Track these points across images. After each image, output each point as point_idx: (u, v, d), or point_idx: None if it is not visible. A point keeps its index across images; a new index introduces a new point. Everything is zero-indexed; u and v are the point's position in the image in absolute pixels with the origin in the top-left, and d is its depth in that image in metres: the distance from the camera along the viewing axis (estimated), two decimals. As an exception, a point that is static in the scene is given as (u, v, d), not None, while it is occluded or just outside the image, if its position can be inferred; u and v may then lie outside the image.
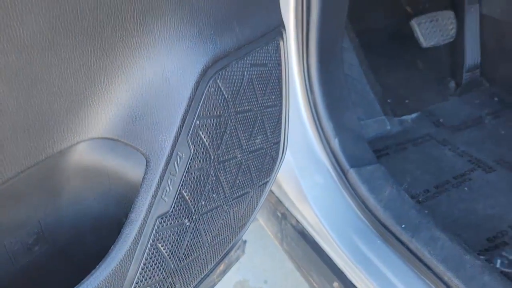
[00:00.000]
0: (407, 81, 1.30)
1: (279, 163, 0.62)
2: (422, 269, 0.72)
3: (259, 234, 1.22)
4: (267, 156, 0.59)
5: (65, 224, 0.47)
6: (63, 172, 0.44)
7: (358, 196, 0.82)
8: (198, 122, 0.46)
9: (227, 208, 0.53)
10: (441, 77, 1.34)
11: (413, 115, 1.24)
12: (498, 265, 0.80)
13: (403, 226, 0.76)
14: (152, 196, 0.43)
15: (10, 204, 0.41)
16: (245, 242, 0.86)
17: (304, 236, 0.90)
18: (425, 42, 1.21)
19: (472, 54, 1.32)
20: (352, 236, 0.80)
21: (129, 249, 0.41)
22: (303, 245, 0.90)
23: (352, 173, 0.84)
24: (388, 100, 1.25)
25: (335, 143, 0.85)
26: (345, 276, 0.80)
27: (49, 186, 0.43)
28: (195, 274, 0.52)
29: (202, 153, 0.47)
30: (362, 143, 0.94)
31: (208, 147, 0.48)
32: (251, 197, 0.58)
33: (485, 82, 1.35)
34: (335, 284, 0.81)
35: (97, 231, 0.48)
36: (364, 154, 0.90)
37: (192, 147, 0.46)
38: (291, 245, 0.96)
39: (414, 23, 1.20)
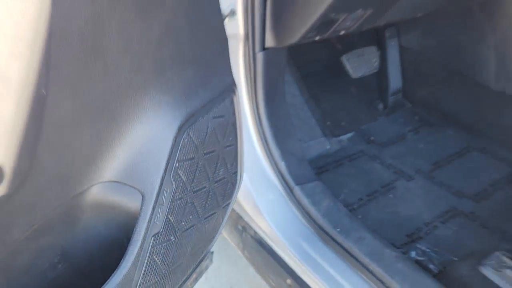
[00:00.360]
0: (342, 105, 1.52)
1: (238, 187, 0.81)
2: (354, 263, 0.92)
3: (223, 245, 1.39)
4: (229, 183, 0.77)
5: (79, 246, 0.62)
6: (80, 207, 0.59)
7: (303, 208, 1.02)
8: (177, 164, 0.63)
9: (201, 226, 0.71)
10: (371, 100, 1.58)
11: (349, 135, 1.46)
12: (413, 256, 1.02)
13: (338, 230, 0.96)
14: (148, 221, 0.59)
15: (42, 234, 0.57)
16: (212, 252, 1.03)
17: (261, 244, 1.08)
18: (354, 74, 1.44)
19: (395, 80, 1.57)
20: (300, 241, 0.99)
21: (134, 260, 0.58)
22: (261, 252, 1.08)
23: (297, 190, 1.03)
24: (327, 123, 1.46)
25: (282, 165, 1.05)
26: (296, 273, 0.99)
27: (70, 218, 0.59)
28: (179, 277, 0.69)
29: (181, 186, 0.64)
30: (304, 163, 1.14)
31: (185, 182, 0.65)
32: (218, 216, 0.76)
33: (407, 103, 1.60)
34: (288, 280, 1.00)
35: (103, 251, 0.64)
36: (306, 173, 1.10)
37: (174, 183, 0.63)
38: (252, 253, 1.14)
39: (344, 59, 1.43)
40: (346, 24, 0.97)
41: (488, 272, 0.88)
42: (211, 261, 1.02)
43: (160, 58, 0.59)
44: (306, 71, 1.43)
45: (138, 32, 0.54)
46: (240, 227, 1.14)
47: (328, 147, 1.39)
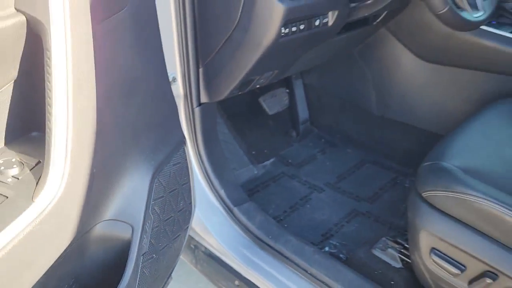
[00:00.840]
0: (263, 137, 1.85)
1: (193, 213, 1.08)
2: (284, 260, 1.22)
3: (179, 263, 1.63)
4: (187, 211, 1.04)
5: (87, 270, 0.85)
6: (87, 242, 0.82)
7: (241, 224, 1.31)
8: (153, 202, 0.89)
9: (171, 245, 0.97)
10: (286, 130, 1.92)
11: (271, 160, 1.78)
12: (327, 249, 1.35)
13: (270, 237, 1.26)
14: (138, 245, 0.84)
15: (63, 264, 0.79)
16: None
17: (212, 257, 1.35)
18: (270, 111, 1.78)
19: (302, 112, 1.93)
20: (242, 249, 1.28)
21: (132, 273, 0.82)
22: (212, 263, 1.35)
23: (235, 210, 1.32)
24: (253, 152, 1.77)
25: (222, 192, 1.33)
26: (242, 275, 1.27)
27: (80, 251, 0.82)
28: (159, 285, 0.94)
29: (157, 218, 0.90)
30: (238, 188, 1.43)
31: (159, 214, 0.91)
32: (181, 236, 1.02)
33: (314, 129, 1.97)
34: (236, 281, 1.28)
35: (106, 272, 0.87)
36: (240, 195, 1.40)
37: (152, 216, 0.89)
38: (204, 266, 1.40)
39: (261, 100, 1.76)
40: (260, 81, 1.30)
41: (377, 253, 1.23)
42: (171, 277, 1.28)
43: (136, 128, 0.86)
44: (232, 112, 1.73)
45: (121, 112, 0.80)
46: (192, 246, 1.40)
47: (255, 172, 1.70)
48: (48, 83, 0.54)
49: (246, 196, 1.41)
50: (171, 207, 0.96)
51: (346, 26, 1.29)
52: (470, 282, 0.97)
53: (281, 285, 1.18)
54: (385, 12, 1.45)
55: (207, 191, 1.31)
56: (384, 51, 1.67)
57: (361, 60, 1.74)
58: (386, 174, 1.70)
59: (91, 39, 0.55)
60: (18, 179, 0.56)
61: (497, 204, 0.90)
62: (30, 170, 0.58)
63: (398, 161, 1.73)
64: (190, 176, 1.05)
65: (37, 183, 0.56)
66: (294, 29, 1.10)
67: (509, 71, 1.40)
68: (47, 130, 0.54)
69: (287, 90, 1.87)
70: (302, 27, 1.12)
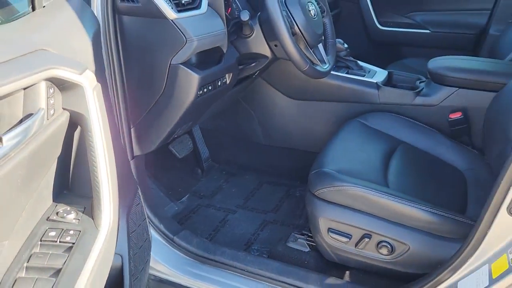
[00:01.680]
0: (176, 177, 2.16)
1: (151, 241, 1.36)
2: (223, 266, 1.55)
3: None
4: (148, 240, 1.32)
5: None
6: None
7: (183, 248, 1.61)
8: (131, 235, 1.17)
9: (145, 267, 1.24)
10: (192, 169, 2.26)
11: (186, 196, 2.10)
12: (253, 253, 1.72)
13: (208, 252, 1.59)
14: (128, 268, 1.10)
15: None
16: None
17: (162, 281, 1.61)
18: (179, 156, 2.11)
19: (204, 151, 2.29)
20: (188, 268, 1.57)
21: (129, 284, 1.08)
22: (162, 285, 1.61)
23: (175, 239, 1.61)
24: (169, 192, 2.07)
25: (161, 226, 1.61)
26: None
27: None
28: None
29: (135, 246, 1.18)
30: (172, 221, 1.73)
31: (136, 243, 1.19)
32: (149, 260, 1.30)
33: (215, 164, 2.34)
34: (186, 294, 1.56)
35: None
36: (175, 226, 1.69)
37: (132, 246, 1.16)
38: (154, 291, 1.65)
39: (170, 147, 2.09)
40: (179, 132, 1.64)
41: (290, 244, 1.65)
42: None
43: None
44: (148, 160, 2.02)
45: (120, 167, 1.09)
46: (142, 277, 1.64)
47: (176, 208, 2.00)
48: (92, 153, 0.83)
49: (179, 226, 1.72)
50: (142, 237, 1.24)
51: (237, 81, 1.72)
52: (356, 244, 1.43)
53: (226, 286, 1.51)
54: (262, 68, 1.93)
55: (155, 234, 1.58)
56: (262, 95, 2.15)
57: (245, 103, 2.19)
58: (281, 189, 2.15)
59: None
60: (79, 220, 0.82)
61: (362, 188, 1.39)
62: (83, 213, 0.84)
63: (287, 177, 2.20)
64: (145, 213, 1.34)
65: (93, 219, 0.83)
66: (205, 90, 1.48)
67: (350, 100, 1.97)
68: (94, 182, 0.82)
69: (190, 136, 2.23)
70: (210, 87, 1.51)
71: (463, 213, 1.45)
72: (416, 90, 1.89)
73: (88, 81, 0.83)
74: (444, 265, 1.22)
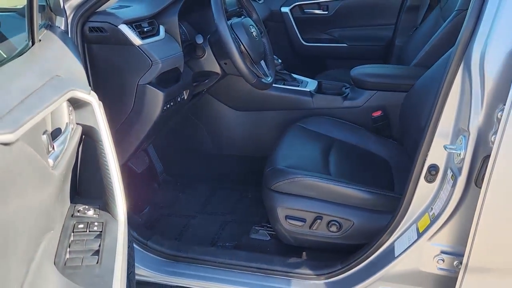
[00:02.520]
0: (136, 191, 2.28)
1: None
2: (198, 262, 1.73)
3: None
4: (132, 249, 1.47)
5: None
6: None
7: (157, 251, 1.76)
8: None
9: (134, 270, 1.39)
10: (149, 183, 2.41)
11: (147, 208, 2.24)
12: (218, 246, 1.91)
13: (181, 252, 1.75)
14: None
15: None
16: None
17: (142, 283, 1.75)
18: (138, 171, 2.26)
19: (158, 165, 2.45)
20: (165, 268, 1.73)
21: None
22: (144, 287, 1.75)
23: (149, 243, 1.76)
24: (131, 206, 2.20)
25: (135, 234, 1.76)
26: (172, 285, 1.72)
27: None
28: None
29: (129, 256, 1.33)
30: (144, 229, 1.88)
31: (129, 253, 1.34)
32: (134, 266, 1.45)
33: (169, 177, 2.50)
34: (166, 291, 1.72)
35: None
36: (146, 233, 1.84)
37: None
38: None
39: (130, 164, 2.23)
40: (144, 146, 1.81)
41: (253, 236, 1.87)
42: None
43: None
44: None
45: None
46: (121, 283, 1.77)
47: (140, 220, 2.13)
48: (104, 159, 1.00)
49: (150, 231, 1.87)
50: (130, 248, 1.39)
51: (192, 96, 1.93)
52: (310, 226, 1.69)
53: (202, 278, 1.69)
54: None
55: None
56: (210, 109, 2.37)
57: (194, 117, 2.40)
58: (234, 193, 2.37)
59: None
60: (98, 214, 0.98)
61: (311, 177, 1.66)
62: (99, 210, 1.00)
63: (238, 182, 2.42)
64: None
65: (109, 213, 0.99)
66: (168, 106, 1.68)
67: (288, 107, 2.26)
68: (108, 183, 0.99)
69: (144, 152, 2.38)
70: (172, 103, 1.71)
71: (392, 190, 1.77)
72: (343, 95, 2.22)
73: (95, 99, 1.01)
74: (382, 232, 1.51)
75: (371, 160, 1.99)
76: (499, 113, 1.10)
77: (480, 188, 1.22)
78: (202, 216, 2.19)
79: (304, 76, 2.44)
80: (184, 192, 2.41)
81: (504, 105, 1.06)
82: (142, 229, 1.84)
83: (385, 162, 1.98)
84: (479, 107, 1.20)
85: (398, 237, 1.47)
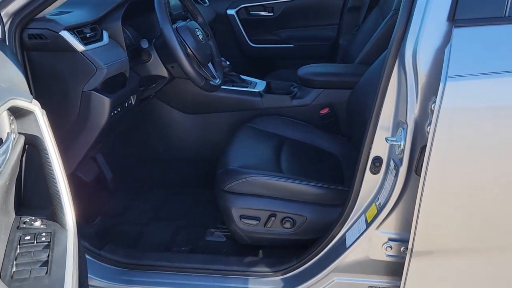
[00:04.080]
0: (85, 200, 2.22)
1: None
2: (155, 268, 1.71)
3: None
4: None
5: None
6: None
7: (112, 260, 1.73)
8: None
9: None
10: (99, 191, 2.35)
11: (98, 218, 2.18)
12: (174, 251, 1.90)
13: (136, 259, 1.73)
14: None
15: None
16: None
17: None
18: (87, 179, 2.20)
19: (108, 172, 2.39)
20: (120, 277, 1.69)
21: None
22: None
23: (102, 253, 1.73)
24: (81, 216, 2.13)
25: (86, 244, 1.72)
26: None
27: None
28: None
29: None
30: (94, 237, 1.83)
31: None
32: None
33: (121, 184, 2.45)
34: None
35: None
36: (99, 242, 1.80)
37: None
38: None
39: (78, 173, 2.16)
40: (92, 154, 1.77)
41: (209, 238, 1.88)
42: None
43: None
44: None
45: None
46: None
47: (91, 230, 2.08)
48: (49, 168, 0.98)
49: (103, 241, 1.83)
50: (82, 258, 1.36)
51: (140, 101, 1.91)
52: (264, 224, 1.72)
53: (159, 284, 1.68)
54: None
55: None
56: (159, 113, 2.35)
57: (143, 122, 2.36)
58: (187, 198, 2.35)
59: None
60: (45, 225, 0.95)
61: (263, 176, 1.69)
62: (46, 220, 0.97)
63: (191, 186, 2.41)
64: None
65: (58, 222, 0.97)
66: (115, 112, 1.65)
67: (238, 108, 2.29)
68: (54, 191, 0.97)
69: (92, 160, 2.31)
70: (119, 109, 1.68)
71: (342, 184, 1.84)
72: (292, 95, 2.27)
73: (37, 107, 0.98)
74: (334, 225, 1.57)
75: (321, 156, 2.05)
76: (432, 105, 1.18)
77: (420, 176, 1.30)
78: (156, 222, 2.16)
79: (253, 77, 2.47)
80: (137, 199, 2.36)
81: (436, 97, 1.14)
82: (94, 239, 1.80)
83: (334, 158, 2.05)
84: (414, 101, 1.27)
85: (348, 229, 1.53)
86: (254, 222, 1.72)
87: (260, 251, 1.82)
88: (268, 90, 2.37)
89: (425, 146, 1.24)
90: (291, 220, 1.71)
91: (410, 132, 1.29)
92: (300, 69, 2.31)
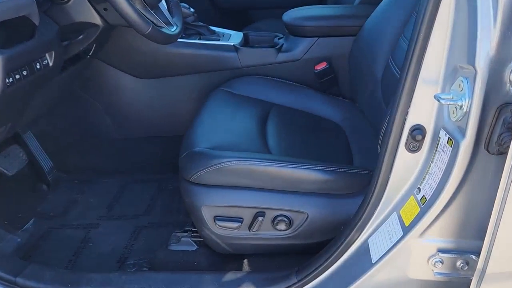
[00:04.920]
0: (11, 201, 1.68)
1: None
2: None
3: None
4: None
5: None
6: None
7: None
8: None
9: None
10: (34, 185, 1.80)
11: (31, 221, 1.64)
12: (129, 270, 1.39)
13: (69, 285, 1.22)
14: None
15: None
16: None
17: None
18: (10, 173, 1.64)
19: (45, 161, 1.84)
20: None
21: None
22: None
23: (19, 280, 1.20)
24: (6, 222, 1.60)
25: (2, 273, 1.20)
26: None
27: None
28: None
29: None
30: (12, 259, 1.31)
31: None
32: None
33: (63, 174, 1.91)
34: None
35: None
36: (18, 264, 1.28)
37: None
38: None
39: None
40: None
41: (173, 247, 1.36)
42: None
43: None
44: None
45: None
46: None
47: (19, 240, 1.55)
48: None
49: (24, 262, 1.31)
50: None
51: (66, 63, 1.34)
52: (249, 227, 1.21)
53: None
54: (94, 47, 1.57)
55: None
56: (104, 79, 1.79)
57: (86, 94, 1.80)
58: (150, 186, 1.84)
59: None
60: None
61: (244, 160, 1.17)
62: None
63: (155, 171, 1.89)
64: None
65: None
66: (18, 77, 1.10)
67: (208, 68, 1.74)
68: None
69: (20, 145, 1.76)
70: (25, 73, 1.12)
71: (351, 164, 1.34)
72: (277, 47, 1.73)
73: None
74: (349, 224, 1.07)
75: (320, 126, 1.55)
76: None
77: (496, 154, 0.81)
78: (107, 223, 1.65)
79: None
80: (84, 192, 1.84)
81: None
82: (9, 260, 1.28)
83: (337, 128, 1.55)
84: (491, 26, 0.76)
85: (373, 232, 1.04)
86: (235, 224, 1.22)
87: (245, 261, 1.32)
88: (246, 43, 1.82)
89: (507, 105, 0.75)
90: (286, 219, 1.21)
91: (481, 83, 0.79)
92: (285, 14, 1.77)
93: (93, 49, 1.56)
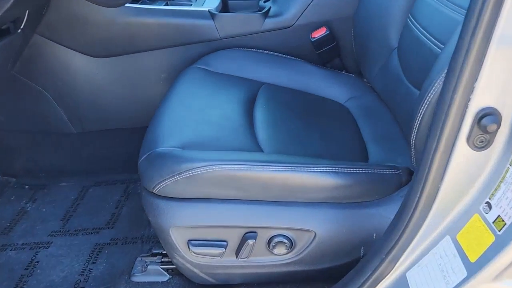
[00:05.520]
0: None
1: None
2: None
3: None
4: None
5: None
6: None
7: None
8: None
9: None
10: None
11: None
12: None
13: None
14: None
15: None
16: None
17: None
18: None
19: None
20: None
21: None
22: None
23: None
24: None
25: None
26: None
27: None
28: None
29: None
30: None
31: None
32: None
33: (10, 179, 1.57)
34: None
35: None
36: None
37: None
38: None
39: None
40: None
41: (138, 278, 1.04)
42: None
43: None
44: None
45: None
46: None
47: None
48: None
49: None
50: None
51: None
52: (237, 253, 0.90)
53: None
54: (26, 17, 1.21)
55: None
56: (50, 61, 1.43)
57: (28, 79, 1.44)
58: (115, 190, 1.51)
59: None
60: None
61: (227, 164, 0.84)
62: None
63: (121, 170, 1.56)
64: None
65: None
66: None
67: (180, 41, 1.39)
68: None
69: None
70: None
71: (366, 159, 1.02)
72: (263, 11, 1.38)
73: None
74: (378, 251, 0.75)
75: (322, 110, 1.22)
76: None
77: None
78: (61, 240, 1.32)
79: None
80: (35, 200, 1.50)
81: None
82: None
83: (342, 110, 1.22)
84: None
85: (412, 265, 0.72)
86: (216, 250, 0.89)
87: (234, 293, 1.01)
88: (224, 8, 1.47)
89: None
90: (286, 240, 0.89)
91: None
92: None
93: (25, 19, 1.20)
